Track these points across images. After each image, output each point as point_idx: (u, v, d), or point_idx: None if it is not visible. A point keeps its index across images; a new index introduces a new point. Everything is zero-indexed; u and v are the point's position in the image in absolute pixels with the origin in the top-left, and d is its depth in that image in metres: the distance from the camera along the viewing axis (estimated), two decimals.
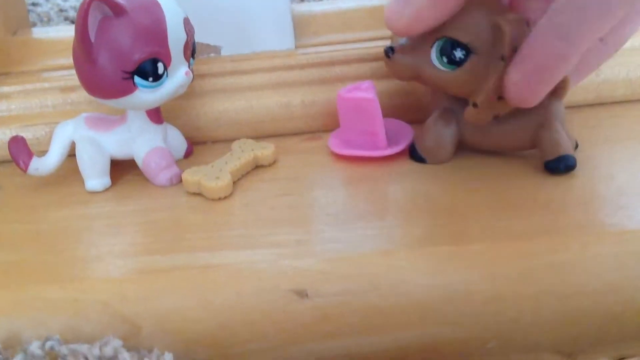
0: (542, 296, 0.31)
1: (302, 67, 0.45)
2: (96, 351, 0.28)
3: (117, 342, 0.29)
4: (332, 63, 0.45)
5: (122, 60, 0.35)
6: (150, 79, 0.36)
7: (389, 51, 0.36)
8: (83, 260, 0.33)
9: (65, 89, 0.44)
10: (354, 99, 0.39)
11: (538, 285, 0.30)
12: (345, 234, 0.33)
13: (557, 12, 0.30)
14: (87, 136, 0.39)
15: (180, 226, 0.35)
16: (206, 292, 0.30)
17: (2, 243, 0.35)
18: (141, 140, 0.39)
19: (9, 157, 0.39)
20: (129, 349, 0.29)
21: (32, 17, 0.66)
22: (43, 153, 0.39)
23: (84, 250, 0.34)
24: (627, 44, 0.42)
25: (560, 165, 0.36)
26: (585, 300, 0.31)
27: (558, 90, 0.36)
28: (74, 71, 0.37)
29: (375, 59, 0.45)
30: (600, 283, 0.30)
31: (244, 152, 0.40)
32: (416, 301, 0.30)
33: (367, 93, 0.38)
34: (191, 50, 0.38)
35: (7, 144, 0.39)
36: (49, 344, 0.29)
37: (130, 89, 0.36)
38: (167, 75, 0.37)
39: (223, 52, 0.46)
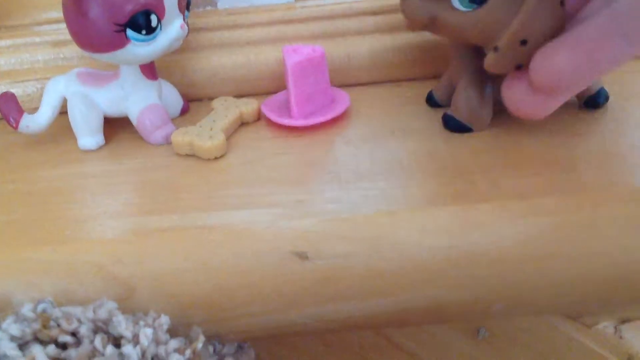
0: (550, 258, 0.30)
1: (302, 20, 0.43)
2: (90, 314, 0.28)
3: (111, 304, 0.28)
4: (332, 16, 0.43)
5: (114, 12, 0.33)
6: (144, 31, 0.34)
7: None
8: (76, 221, 0.32)
9: (56, 43, 0.43)
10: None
11: (545, 247, 0.29)
12: (347, 193, 0.32)
13: (623, 14, 0.29)
14: (79, 92, 0.38)
15: (175, 186, 0.34)
16: (202, 254, 0.30)
17: None
18: (135, 97, 0.38)
19: None
20: (123, 312, 0.28)
21: None
22: (34, 110, 0.38)
23: (77, 210, 0.33)
24: None
25: (601, 99, 0.37)
26: (594, 262, 0.30)
27: None
28: (65, 25, 0.36)
29: (377, 12, 0.43)
30: (610, 244, 0.29)
31: (229, 110, 0.39)
32: (419, 263, 0.29)
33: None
34: (186, 2, 0.37)
35: None
36: (41, 306, 0.28)
37: (122, 42, 0.34)
38: (160, 29, 0.35)
39: (220, 5, 0.45)
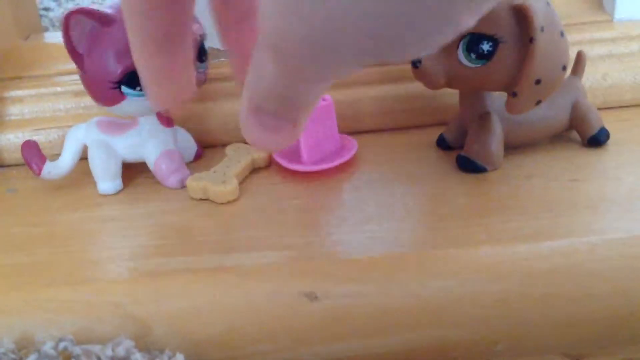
0: (550, 299, 0.31)
1: None
2: (109, 351, 0.29)
3: (129, 343, 0.29)
4: None
5: (107, 71, 0.36)
6: (138, 88, 0.36)
7: (417, 61, 0.36)
8: (95, 262, 0.33)
9: (77, 93, 0.45)
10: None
11: (546, 288, 0.31)
12: (354, 236, 0.33)
13: None
14: (99, 140, 0.40)
15: (190, 229, 0.35)
16: (216, 294, 0.31)
17: (15, 245, 0.35)
18: (152, 144, 0.40)
19: (22, 160, 0.39)
20: (140, 350, 0.30)
21: (44, 22, 0.67)
22: (56, 156, 0.40)
23: (96, 252, 0.34)
24: (635, 48, 0.43)
25: (603, 137, 0.39)
26: (593, 303, 0.31)
27: (577, 67, 0.40)
28: None
29: (380, 63, 0.45)
30: (608, 286, 0.30)
31: (241, 156, 0.41)
32: (424, 303, 0.31)
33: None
34: (199, 52, 0.38)
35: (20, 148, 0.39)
36: (62, 344, 0.29)
37: (119, 97, 0.37)
38: None
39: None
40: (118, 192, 0.40)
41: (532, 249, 0.31)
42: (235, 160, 0.40)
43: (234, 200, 0.37)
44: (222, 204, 0.37)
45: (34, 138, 0.41)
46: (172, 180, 0.40)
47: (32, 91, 0.45)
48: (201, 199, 0.38)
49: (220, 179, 0.38)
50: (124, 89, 0.36)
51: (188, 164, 0.42)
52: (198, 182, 0.38)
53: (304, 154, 0.39)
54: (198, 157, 0.44)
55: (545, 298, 0.31)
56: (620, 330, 0.32)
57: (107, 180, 0.40)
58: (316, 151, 0.40)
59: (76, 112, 0.45)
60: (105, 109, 0.38)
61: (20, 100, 0.45)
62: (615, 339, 0.32)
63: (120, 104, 0.37)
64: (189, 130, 0.43)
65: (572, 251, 0.31)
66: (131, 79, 0.36)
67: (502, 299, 0.31)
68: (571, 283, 0.31)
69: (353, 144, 0.41)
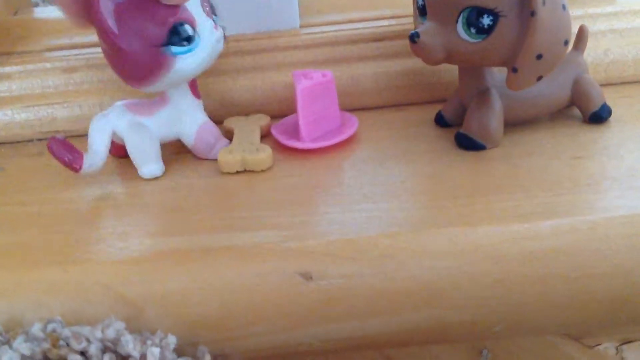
0: (549, 279, 0.30)
1: (307, 47, 0.44)
2: (98, 333, 0.28)
3: (119, 324, 0.29)
4: (336, 43, 0.44)
5: (150, 36, 0.34)
6: (185, 42, 0.35)
7: (415, 36, 0.35)
8: (85, 242, 0.32)
9: (67, 69, 0.44)
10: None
11: (545, 268, 0.30)
12: (351, 215, 0.32)
13: None
14: (135, 122, 0.38)
15: (182, 208, 0.35)
16: (209, 275, 0.30)
17: (3, 225, 0.35)
18: (188, 118, 0.39)
19: (10, 138, 0.38)
20: (131, 331, 0.29)
21: None
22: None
23: (85, 232, 0.33)
24: (638, 23, 0.42)
25: (605, 114, 0.38)
26: (593, 283, 0.30)
27: (579, 42, 0.39)
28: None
29: (379, 38, 0.44)
30: (609, 265, 0.30)
31: (248, 126, 0.40)
32: (421, 284, 0.30)
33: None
34: (210, 6, 0.37)
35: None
36: (50, 326, 0.28)
37: (169, 61, 0.35)
38: (198, 36, 0.36)
39: (227, 32, 0.46)
40: (108, 173, 0.39)
41: (532, 228, 0.30)
42: (248, 130, 0.40)
43: (228, 180, 0.37)
44: (215, 183, 0.37)
45: (23, 115, 0.40)
46: (215, 152, 0.39)
47: (21, 67, 0.44)
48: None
49: (252, 148, 0.37)
50: (173, 48, 0.35)
51: (182, 150, 0.41)
52: (233, 155, 0.37)
53: (303, 131, 0.39)
54: None
55: (545, 278, 0.30)
56: (621, 311, 0.31)
57: (151, 162, 0.38)
58: (315, 128, 0.39)
59: (66, 88, 0.44)
60: (147, 89, 0.36)
61: (8, 76, 0.44)
62: (616, 319, 0.32)
63: (173, 68, 0.35)
64: None
65: (573, 230, 0.30)
66: (177, 36, 0.35)
67: (501, 279, 0.30)
68: (572, 263, 0.30)
69: (354, 121, 0.41)
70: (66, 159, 0.35)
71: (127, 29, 0.34)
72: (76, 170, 0.35)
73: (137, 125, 0.38)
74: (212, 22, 0.37)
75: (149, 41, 0.34)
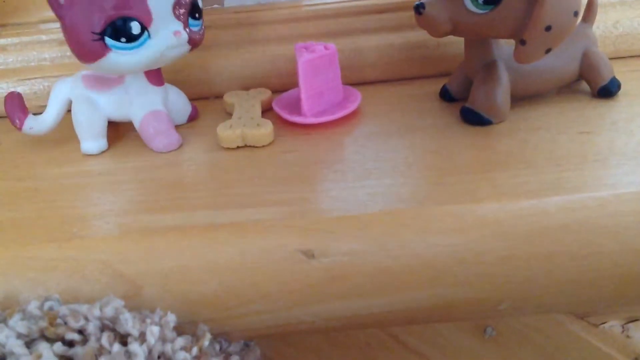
0: (556, 256, 0.29)
1: (309, 19, 0.43)
2: (97, 311, 0.28)
3: (118, 302, 0.28)
4: (339, 15, 0.43)
5: (90, 20, 0.33)
6: (123, 39, 0.34)
7: (420, 7, 0.34)
8: (82, 219, 0.32)
9: (63, 42, 0.43)
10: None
11: (552, 245, 0.29)
12: (353, 192, 0.31)
13: None
14: (84, 95, 0.37)
15: (181, 184, 0.34)
16: (209, 252, 0.30)
17: None
18: (139, 102, 0.38)
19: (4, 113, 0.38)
20: (130, 309, 0.28)
21: None
22: (42, 107, 0.38)
23: (83, 208, 0.33)
24: None
25: (614, 88, 0.38)
26: (602, 260, 0.29)
27: (588, 14, 0.39)
28: None
29: (382, 10, 0.43)
30: (617, 243, 0.29)
31: (249, 101, 0.39)
32: (425, 261, 0.29)
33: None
34: (188, 10, 0.36)
35: (3, 99, 0.37)
36: (48, 303, 0.28)
37: (102, 51, 0.34)
38: (149, 36, 0.34)
39: (227, 3, 0.45)
40: (105, 149, 0.38)
41: (538, 204, 0.30)
42: (248, 104, 0.39)
43: (229, 155, 0.36)
44: (225, 149, 0.36)
45: (19, 89, 0.39)
46: (158, 143, 0.37)
47: (16, 39, 0.43)
48: (233, 148, 0.37)
49: (253, 122, 0.37)
50: (107, 40, 0.33)
51: (181, 126, 0.40)
52: (233, 130, 0.36)
53: (304, 106, 0.38)
54: (192, 118, 0.42)
55: (551, 256, 0.29)
56: (628, 289, 0.31)
57: (90, 138, 0.38)
58: (317, 103, 0.38)
59: (62, 61, 0.43)
60: (88, 66, 0.35)
61: (3, 48, 0.43)
62: (623, 297, 0.31)
63: (103, 59, 0.34)
64: (180, 81, 0.41)
65: (580, 207, 0.29)
66: (115, 30, 0.33)
67: (507, 256, 0.29)
68: (579, 240, 0.29)
69: (356, 96, 0.40)
70: (13, 115, 0.37)
71: (72, 5, 0.33)
72: (17, 127, 0.37)
73: (86, 100, 0.37)
74: (179, 27, 0.35)
75: (88, 26, 0.33)
